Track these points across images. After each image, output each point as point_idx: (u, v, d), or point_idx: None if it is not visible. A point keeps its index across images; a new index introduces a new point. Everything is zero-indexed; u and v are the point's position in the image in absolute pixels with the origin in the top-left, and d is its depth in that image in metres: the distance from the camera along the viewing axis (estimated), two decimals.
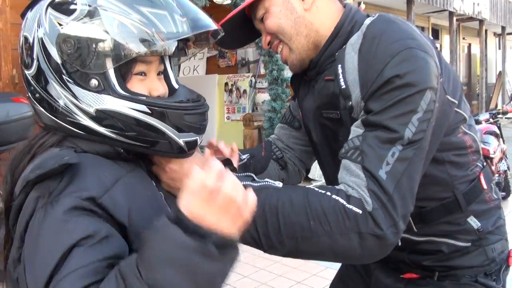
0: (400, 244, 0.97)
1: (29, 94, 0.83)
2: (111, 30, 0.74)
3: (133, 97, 0.77)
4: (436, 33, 11.52)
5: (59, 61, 0.76)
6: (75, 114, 0.77)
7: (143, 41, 0.75)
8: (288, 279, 3.22)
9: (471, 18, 11.04)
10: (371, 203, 0.87)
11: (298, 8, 1.08)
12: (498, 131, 4.72)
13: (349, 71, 1.00)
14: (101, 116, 0.77)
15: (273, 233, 0.88)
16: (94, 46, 0.74)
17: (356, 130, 0.96)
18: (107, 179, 0.75)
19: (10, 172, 0.82)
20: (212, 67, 7.88)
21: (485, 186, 1.15)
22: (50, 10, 0.77)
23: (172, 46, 0.81)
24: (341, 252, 0.90)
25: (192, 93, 0.89)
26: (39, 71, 0.78)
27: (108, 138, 0.78)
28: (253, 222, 0.85)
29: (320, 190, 0.90)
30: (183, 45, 0.88)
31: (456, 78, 1.11)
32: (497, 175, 4.53)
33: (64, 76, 0.77)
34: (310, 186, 0.93)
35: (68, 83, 0.77)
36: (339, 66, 1.02)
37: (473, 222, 1.12)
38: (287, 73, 6.06)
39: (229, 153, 1.10)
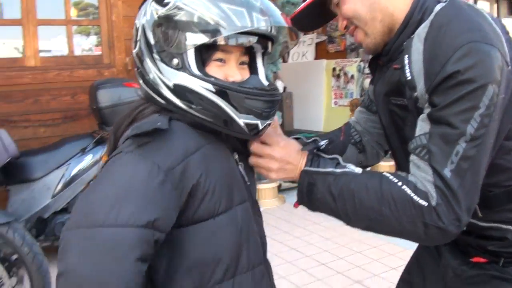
0: (465, 228, 1.01)
1: (136, 69, 1.02)
2: (192, 20, 0.89)
3: (203, 76, 0.91)
4: None
5: (152, 42, 0.94)
6: (160, 86, 0.94)
7: (214, 32, 0.88)
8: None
9: None
10: (435, 198, 0.94)
11: None
12: None
13: (415, 62, 1.02)
14: (177, 90, 0.92)
15: (351, 213, 1.00)
16: (178, 31, 0.90)
17: (422, 125, 1.00)
18: (190, 148, 0.90)
19: (113, 132, 1.00)
20: (321, 52, 7.91)
21: None
22: (153, 3, 0.95)
23: (241, 40, 0.93)
24: (407, 235, 0.99)
25: (269, 84, 1.00)
26: (140, 50, 0.97)
27: (181, 109, 0.93)
28: (335, 201, 1.00)
29: (392, 179, 0.99)
30: (264, 42, 0.99)
31: None
32: None
33: (154, 55, 0.94)
34: (385, 173, 1.01)
35: (156, 61, 0.94)
36: (406, 56, 1.04)
37: None
38: None
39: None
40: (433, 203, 0.94)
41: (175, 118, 0.94)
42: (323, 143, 1.23)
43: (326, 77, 7.11)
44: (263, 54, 1.02)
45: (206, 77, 0.91)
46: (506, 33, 1.06)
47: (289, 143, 1.08)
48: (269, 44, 1.01)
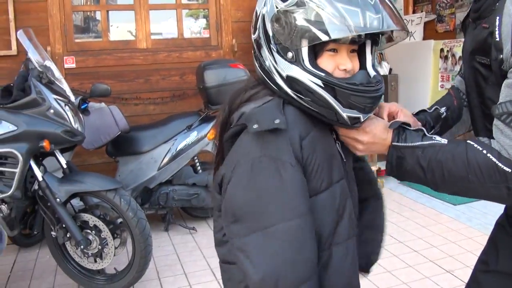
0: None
1: (253, 53, 1.10)
2: (309, 18, 0.94)
3: (314, 71, 0.96)
4: None
5: (270, 33, 1.00)
6: (274, 74, 1.01)
7: (329, 31, 0.93)
8: None
9: None
10: None
11: None
12: None
13: (504, 24, 1.03)
14: (289, 81, 0.99)
15: (440, 182, 1.06)
16: (295, 28, 0.96)
17: (508, 92, 1.01)
18: (302, 134, 0.99)
19: (229, 103, 1.08)
20: (429, 32, 7.52)
21: None
22: None
23: (356, 37, 0.98)
24: (492, 197, 1.05)
25: (374, 77, 1.03)
26: (259, 37, 1.04)
27: (291, 98, 1.01)
28: (424, 173, 1.05)
29: (477, 147, 1.03)
30: (375, 37, 1.03)
31: None
32: None
33: (271, 45, 1.00)
34: (469, 141, 1.04)
35: (272, 51, 1.00)
36: (497, 17, 1.05)
37: None
38: None
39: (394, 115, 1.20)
40: None
41: (287, 102, 1.02)
42: (443, 110, 1.32)
43: (433, 58, 6.77)
44: (372, 43, 1.06)
45: (316, 71, 0.97)
46: None
47: (374, 125, 1.10)
48: (380, 36, 1.06)
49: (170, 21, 6.35)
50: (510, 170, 0.99)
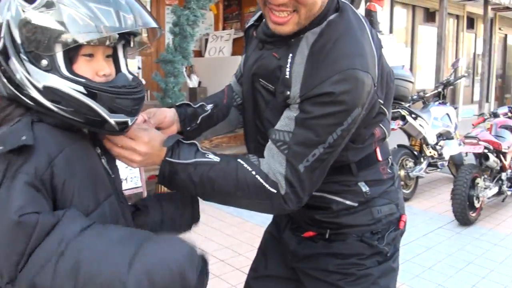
0: None
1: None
2: (61, 20, 0.85)
3: (74, 78, 0.89)
4: (471, 22, 11.20)
5: (19, 41, 0.88)
6: (27, 87, 0.90)
7: (84, 32, 0.86)
8: None
9: (507, 8, 10.69)
10: (284, 189, 1.09)
11: None
12: None
13: (296, 64, 1.08)
14: (47, 92, 0.89)
15: (209, 195, 1.13)
16: (46, 32, 0.86)
17: (288, 123, 1.08)
18: (52, 152, 0.88)
19: None
20: (238, 48, 7.93)
21: (380, 158, 1.29)
22: None
23: (112, 38, 0.93)
24: (258, 210, 1.18)
25: (133, 80, 1.00)
26: (4, 47, 0.90)
27: (51, 111, 0.90)
28: (195, 188, 1.10)
29: (247, 167, 1.10)
30: (128, 37, 0.99)
31: (389, 80, 1.23)
32: (509, 170, 4.48)
33: (21, 55, 0.88)
34: (240, 160, 1.11)
35: (24, 61, 0.89)
36: (290, 55, 1.10)
37: (363, 186, 1.26)
38: None
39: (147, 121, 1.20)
40: (282, 192, 1.09)
41: (37, 120, 0.91)
42: (209, 107, 1.35)
43: None
44: (124, 46, 1.01)
45: (75, 77, 0.90)
46: (380, 48, 1.16)
47: (153, 137, 1.09)
48: (132, 38, 1.01)
49: None
50: (275, 191, 1.09)
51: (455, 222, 4.14)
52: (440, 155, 4.96)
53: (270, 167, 1.09)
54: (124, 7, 0.90)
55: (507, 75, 13.26)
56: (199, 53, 8.16)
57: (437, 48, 8.76)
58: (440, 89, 5.40)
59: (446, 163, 5.13)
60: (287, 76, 1.09)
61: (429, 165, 4.97)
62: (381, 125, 1.27)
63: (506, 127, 4.61)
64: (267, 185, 1.08)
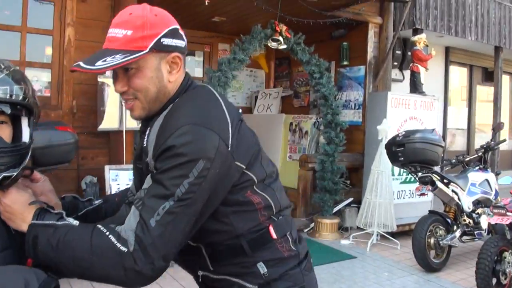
0: (200, 280, 1.28)
1: None
2: None
3: None
4: None
5: None
6: None
7: None
8: None
9: None
10: (133, 245, 1.08)
11: (165, 79, 1.24)
12: None
13: (152, 133, 1.20)
14: None
15: (67, 262, 1.09)
16: None
17: (147, 181, 1.17)
18: None
19: None
20: (287, 106, 8.11)
21: (274, 236, 1.30)
22: None
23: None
24: (113, 280, 1.10)
25: (16, 143, 1.14)
26: None
27: None
28: (54, 251, 1.08)
29: (102, 229, 1.11)
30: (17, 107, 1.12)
31: (250, 145, 1.28)
32: None
33: None
34: (98, 225, 1.13)
35: None
36: (149, 128, 1.23)
37: (261, 267, 1.27)
38: (342, 117, 6.09)
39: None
40: (131, 248, 1.08)
41: None
42: (97, 202, 1.44)
43: (284, 130, 7.26)
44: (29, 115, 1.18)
45: None
46: (239, 119, 1.26)
47: (19, 196, 1.16)
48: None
49: None
50: (126, 250, 1.07)
51: None
52: (477, 223, 4.66)
53: (125, 226, 1.12)
54: None
55: None
56: (249, 110, 8.41)
57: (493, 108, 8.42)
58: (480, 153, 5.16)
59: (484, 232, 4.81)
60: (145, 145, 1.21)
61: (465, 233, 4.68)
62: (261, 192, 1.28)
63: None
64: (118, 244, 1.08)
